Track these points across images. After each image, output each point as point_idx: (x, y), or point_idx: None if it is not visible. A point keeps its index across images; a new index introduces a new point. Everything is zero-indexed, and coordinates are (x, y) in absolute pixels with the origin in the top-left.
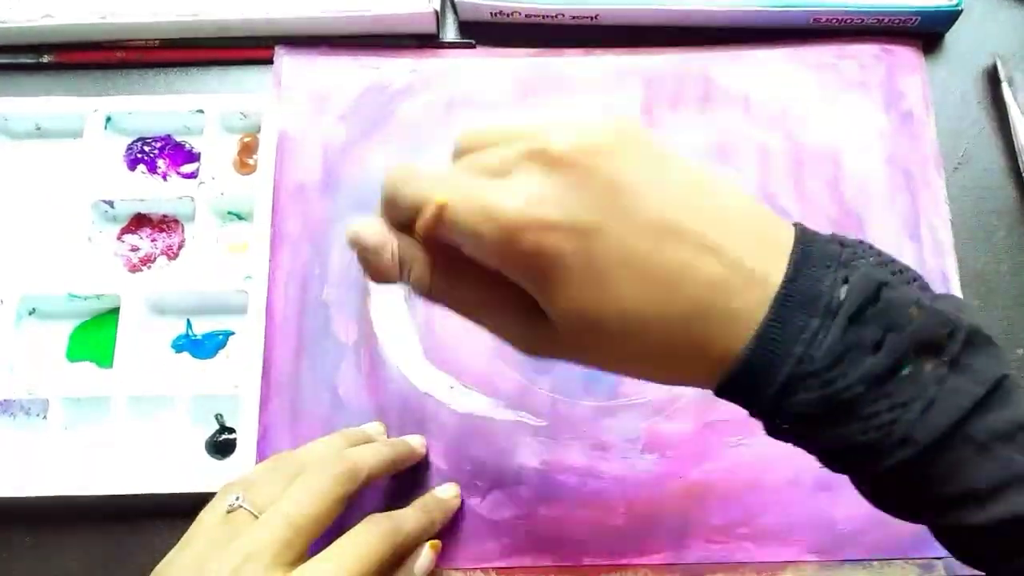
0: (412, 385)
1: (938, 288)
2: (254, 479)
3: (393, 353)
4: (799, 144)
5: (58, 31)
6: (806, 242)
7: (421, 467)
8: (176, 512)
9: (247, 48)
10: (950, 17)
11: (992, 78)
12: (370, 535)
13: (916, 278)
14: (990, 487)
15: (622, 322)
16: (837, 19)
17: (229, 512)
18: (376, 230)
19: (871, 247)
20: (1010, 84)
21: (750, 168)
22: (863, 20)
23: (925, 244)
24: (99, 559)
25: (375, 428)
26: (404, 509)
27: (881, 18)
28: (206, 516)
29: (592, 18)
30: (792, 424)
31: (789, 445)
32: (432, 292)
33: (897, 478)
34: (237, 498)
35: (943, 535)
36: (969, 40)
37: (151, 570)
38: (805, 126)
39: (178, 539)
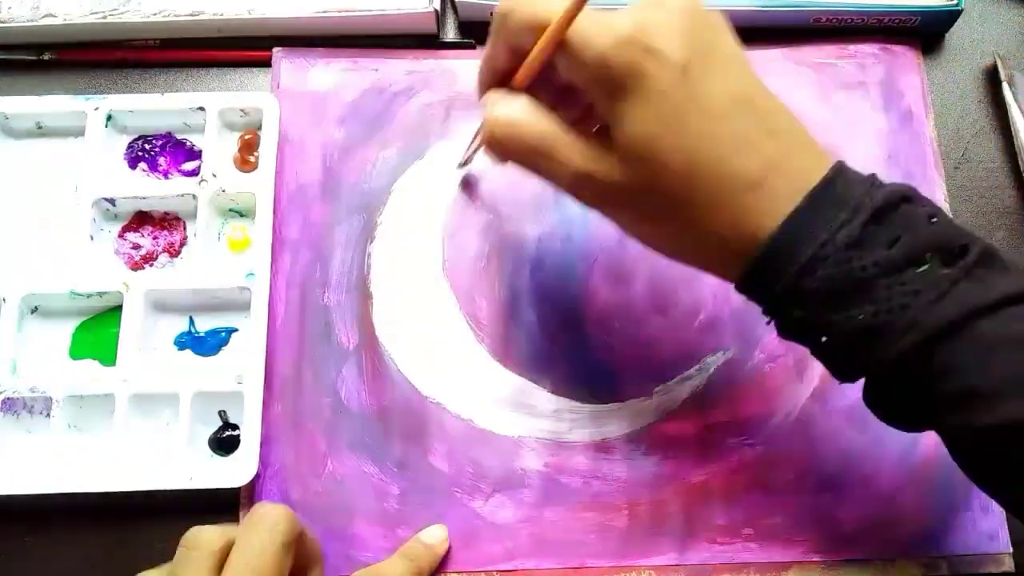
0: (415, 389)
1: None
2: None
3: (395, 357)
4: None
5: (59, 31)
6: (844, 167)
7: (424, 472)
8: (179, 509)
9: (247, 49)
10: (950, 17)
11: (992, 78)
12: None
13: (938, 213)
14: (996, 389)
15: (683, 164)
16: (837, 19)
17: None
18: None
19: (905, 184)
20: (1010, 84)
21: None
22: (863, 20)
23: None
24: (102, 556)
25: (437, 535)
26: (389, 560)
27: (881, 18)
28: None
29: None
30: (806, 308)
31: (792, 446)
32: (518, 119)
33: (900, 372)
34: None
35: (950, 441)
36: (969, 40)
37: (154, 567)
38: (806, 125)
39: (180, 537)
